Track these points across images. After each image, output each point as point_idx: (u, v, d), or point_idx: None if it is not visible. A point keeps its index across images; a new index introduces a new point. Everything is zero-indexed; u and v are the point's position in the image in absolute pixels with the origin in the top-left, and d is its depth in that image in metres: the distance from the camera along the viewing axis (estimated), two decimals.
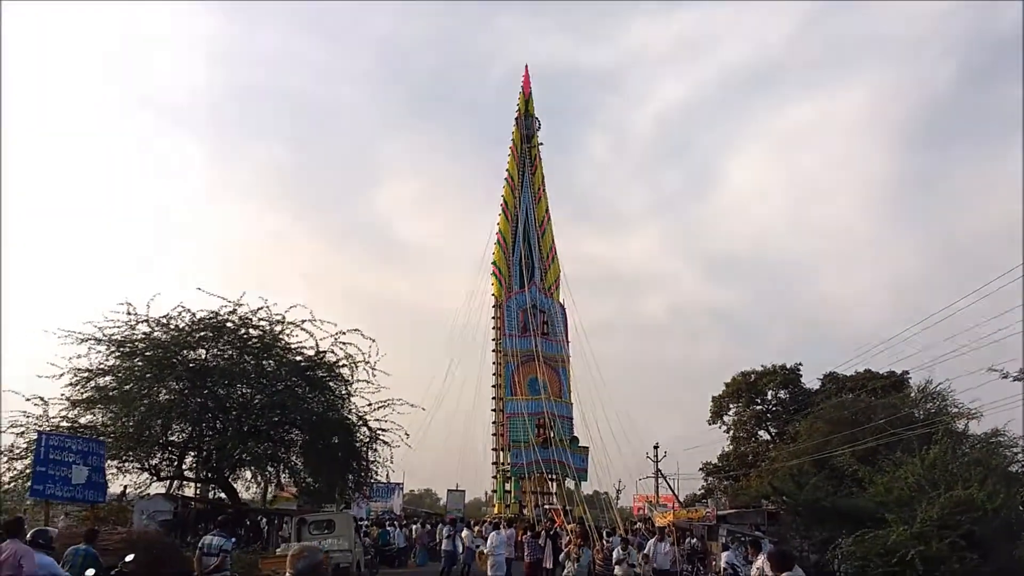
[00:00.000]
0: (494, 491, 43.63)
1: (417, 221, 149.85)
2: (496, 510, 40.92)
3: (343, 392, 20.66)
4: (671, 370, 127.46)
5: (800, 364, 44.03)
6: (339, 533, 17.78)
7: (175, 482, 20.12)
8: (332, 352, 20.21)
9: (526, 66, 50.72)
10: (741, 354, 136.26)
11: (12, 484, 16.74)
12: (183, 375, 18.22)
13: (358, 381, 20.52)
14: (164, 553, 13.02)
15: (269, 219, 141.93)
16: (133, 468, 18.85)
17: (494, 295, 45.23)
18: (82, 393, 17.76)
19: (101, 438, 15.99)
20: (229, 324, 19.15)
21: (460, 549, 21.10)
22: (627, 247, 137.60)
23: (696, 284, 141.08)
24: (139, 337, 18.42)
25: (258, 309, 19.43)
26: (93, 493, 13.72)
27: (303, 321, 19.77)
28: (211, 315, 18.97)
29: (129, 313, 18.45)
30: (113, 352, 18.10)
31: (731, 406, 45.87)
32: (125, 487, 19.30)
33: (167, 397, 18.41)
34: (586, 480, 41.10)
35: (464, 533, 22.26)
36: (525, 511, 37.78)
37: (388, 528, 27.29)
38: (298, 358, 19.97)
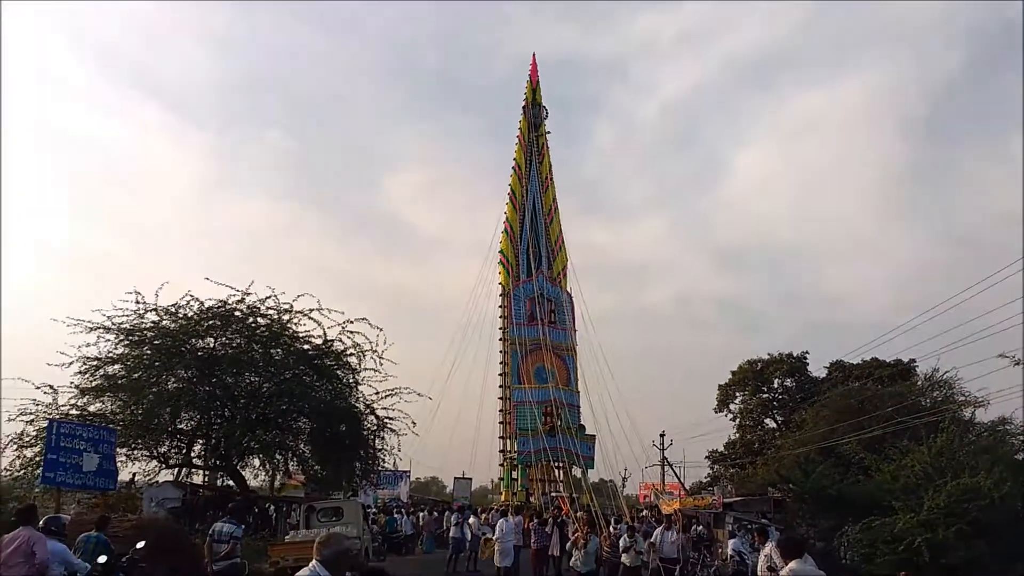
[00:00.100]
0: (501, 479, 43.76)
1: (424, 210, 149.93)
2: (503, 498, 41.05)
3: (350, 381, 20.69)
4: (677, 359, 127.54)
5: (807, 352, 44.01)
6: (347, 520, 17.88)
7: (184, 470, 20.25)
8: (340, 341, 20.25)
9: (533, 55, 50.58)
10: (747, 343, 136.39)
11: (22, 471, 16.85)
12: (191, 363, 18.28)
13: (365, 370, 20.57)
14: (174, 540, 13.10)
15: (276, 210, 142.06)
16: (142, 456, 18.97)
17: (501, 284, 45.18)
18: (91, 381, 17.83)
19: (110, 426, 16.08)
20: (237, 313, 19.18)
21: (468, 536, 21.21)
22: (633, 237, 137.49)
23: (702, 274, 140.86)
24: (148, 326, 18.46)
25: (266, 298, 19.45)
26: (104, 481, 13.81)
27: (311, 310, 19.80)
28: (219, 304, 19.01)
29: (138, 302, 18.50)
30: (122, 341, 18.15)
31: (737, 394, 45.82)
32: (134, 475, 19.46)
33: (176, 385, 18.47)
34: (593, 468, 41.15)
35: (471, 520, 22.36)
36: (532, 499, 37.86)
37: (396, 515, 27.41)
38: (306, 347, 19.98)
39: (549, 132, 49.85)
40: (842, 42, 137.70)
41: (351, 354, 20.35)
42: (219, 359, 18.66)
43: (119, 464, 16.83)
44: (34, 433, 16.92)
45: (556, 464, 40.21)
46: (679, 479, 43.60)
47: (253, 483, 22.20)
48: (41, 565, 7.63)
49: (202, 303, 18.95)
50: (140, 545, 10.71)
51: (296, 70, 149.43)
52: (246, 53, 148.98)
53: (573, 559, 15.88)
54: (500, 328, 44.49)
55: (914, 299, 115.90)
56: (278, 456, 20.34)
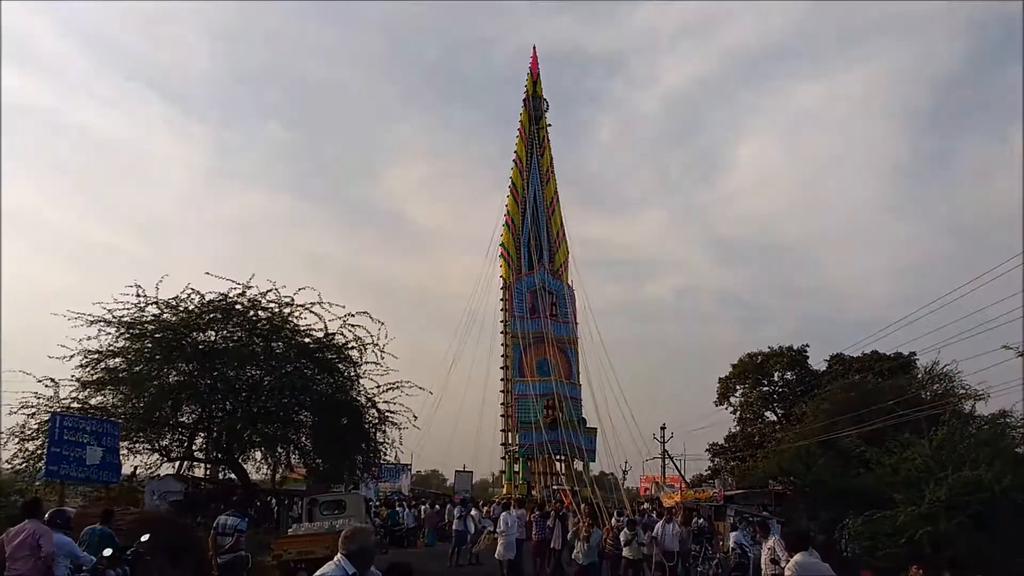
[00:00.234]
0: (502, 472, 43.86)
1: (425, 204, 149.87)
2: (505, 491, 41.15)
3: (352, 374, 20.68)
4: (678, 352, 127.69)
5: (807, 345, 44.02)
6: (350, 513, 17.89)
7: (185, 463, 20.25)
8: (341, 334, 20.23)
9: (534, 47, 50.64)
10: (748, 336, 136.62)
11: (24, 464, 16.85)
12: (192, 357, 18.25)
13: (367, 363, 20.56)
14: (178, 533, 13.12)
15: (275, 202, 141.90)
16: (143, 449, 18.94)
17: (503, 277, 45.18)
18: (92, 375, 17.79)
19: (112, 419, 16.08)
20: (238, 306, 19.14)
21: (472, 529, 21.26)
22: (634, 230, 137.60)
23: (703, 267, 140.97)
24: (148, 319, 18.43)
25: (267, 291, 19.41)
26: (107, 474, 13.83)
27: (312, 304, 19.78)
28: (220, 297, 19.00)
29: (138, 295, 18.45)
30: (123, 334, 18.09)
31: (738, 387, 45.85)
32: (136, 468, 19.44)
33: (177, 379, 18.44)
34: (594, 461, 41.26)
35: (473, 513, 22.41)
36: (533, 492, 37.96)
37: (397, 509, 27.47)
38: (307, 340, 19.96)
39: (550, 125, 49.90)
40: (843, 34, 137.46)
41: (352, 347, 20.36)
42: (220, 352, 18.63)
43: (121, 457, 16.88)
44: (36, 426, 16.90)
45: (558, 457, 40.29)
46: (680, 472, 43.72)
47: (255, 476, 22.23)
48: (47, 558, 7.65)
49: (203, 296, 18.93)
50: (145, 538, 10.71)
51: (297, 62, 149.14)
52: (247, 45, 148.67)
53: (575, 551, 15.88)
54: (502, 321, 44.54)
55: (915, 292, 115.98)
56: (280, 449, 20.33)
